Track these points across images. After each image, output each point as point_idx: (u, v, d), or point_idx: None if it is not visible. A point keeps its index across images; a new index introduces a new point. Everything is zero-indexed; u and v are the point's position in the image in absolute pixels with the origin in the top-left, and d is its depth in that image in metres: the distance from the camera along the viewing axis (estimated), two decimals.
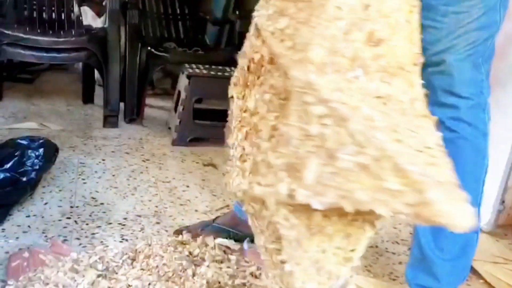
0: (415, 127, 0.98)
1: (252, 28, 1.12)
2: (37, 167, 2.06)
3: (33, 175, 2.04)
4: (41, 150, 2.11)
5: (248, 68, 1.12)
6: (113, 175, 2.48)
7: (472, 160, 1.41)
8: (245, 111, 1.12)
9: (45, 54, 2.99)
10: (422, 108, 1.03)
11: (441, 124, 1.40)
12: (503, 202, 2.30)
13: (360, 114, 0.92)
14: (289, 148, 0.96)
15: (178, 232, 1.91)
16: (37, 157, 2.06)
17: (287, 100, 0.99)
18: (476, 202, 1.47)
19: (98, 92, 3.63)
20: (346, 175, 0.89)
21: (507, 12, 1.38)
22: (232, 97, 1.17)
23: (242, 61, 1.15)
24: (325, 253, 1.04)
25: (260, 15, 1.11)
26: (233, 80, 1.17)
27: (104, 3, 3.52)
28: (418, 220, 0.86)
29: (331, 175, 0.90)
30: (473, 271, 1.95)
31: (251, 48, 1.11)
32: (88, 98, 3.71)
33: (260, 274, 1.70)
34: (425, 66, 1.40)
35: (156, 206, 2.20)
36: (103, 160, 2.66)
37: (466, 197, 0.88)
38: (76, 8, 3.45)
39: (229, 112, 1.18)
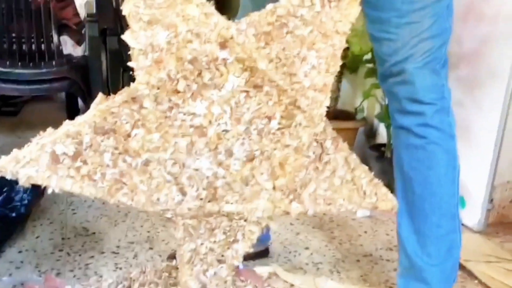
0: None
1: None
2: (26, 201, 2.06)
3: (22, 210, 2.04)
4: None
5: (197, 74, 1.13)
6: (103, 203, 2.47)
7: (445, 163, 1.44)
8: None
9: (27, 87, 2.99)
10: None
11: (409, 132, 1.43)
12: (491, 201, 2.32)
13: None
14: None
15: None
16: (25, 191, 2.06)
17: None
18: (454, 202, 1.49)
19: None
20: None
21: (453, 17, 1.42)
22: None
23: None
24: None
25: None
26: None
27: (83, 31, 3.51)
28: None
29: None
30: (467, 272, 1.97)
31: None
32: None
33: None
34: (386, 78, 1.44)
35: (148, 232, 2.20)
36: None
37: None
38: (55, 38, 3.44)
39: None
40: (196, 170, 1.10)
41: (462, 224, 2.33)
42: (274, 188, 1.14)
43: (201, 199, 1.13)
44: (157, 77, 1.05)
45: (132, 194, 1.09)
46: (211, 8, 1.05)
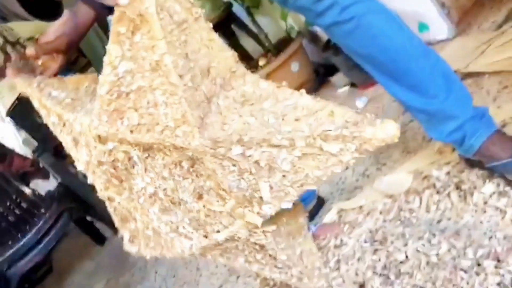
0: (290, 100, 1.15)
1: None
2: None
3: None
4: None
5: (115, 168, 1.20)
6: (174, 276, 2.52)
7: (383, 21, 1.45)
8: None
9: (40, 247, 3.03)
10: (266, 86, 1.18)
11: (337, 26, 1.45)
12: (443, 4, 2.34)
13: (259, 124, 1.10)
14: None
15: None
16: None
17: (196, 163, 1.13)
18: (417, 41, 1.50)
19: (101, 225, 3.66)
20: (296, 170, 1.09)
21: None
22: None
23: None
24: None
25: None
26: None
27: (41, 165, 3.55)
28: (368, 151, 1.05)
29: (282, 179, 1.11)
30: (473, 75, 2.00)
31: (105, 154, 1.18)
32: (100, 239, 3.75)
33: (341, 240, 1.75)
34: (283, 4, 1.47)
35: (225, 266, 2.22)
36: (156, 272, 2.70)
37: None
38: (27, 190, 3.47)
39: None
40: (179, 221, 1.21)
41: (439, 41, 2.38)
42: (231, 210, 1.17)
43: (205, 236, 1.22)
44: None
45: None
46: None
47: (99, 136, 1.12)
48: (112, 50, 1.07)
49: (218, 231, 1.21)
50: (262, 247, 1.26)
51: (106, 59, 1.08)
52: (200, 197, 1.17)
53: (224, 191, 1.13)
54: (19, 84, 1.26)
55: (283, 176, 1.10)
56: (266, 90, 1.16)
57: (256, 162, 1.08)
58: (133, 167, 1.16)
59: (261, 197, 1.13)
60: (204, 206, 1.18)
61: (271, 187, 1.12)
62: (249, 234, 1.21)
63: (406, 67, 1.49)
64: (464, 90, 1.55)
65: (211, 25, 1.18)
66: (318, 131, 1.04)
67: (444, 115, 1.52)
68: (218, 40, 1.18)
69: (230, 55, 1.20)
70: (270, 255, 1.29)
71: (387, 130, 1.01)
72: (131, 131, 1.10)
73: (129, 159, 1.15)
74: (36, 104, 1.27)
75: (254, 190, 1.13)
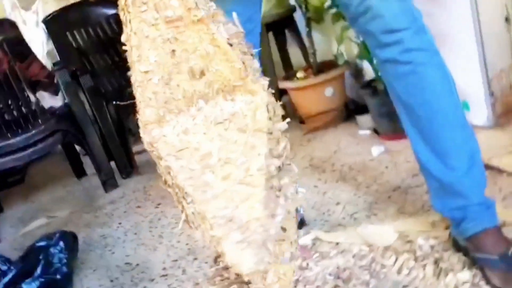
0: (248, 148, 1.15)
1: None
2: (65, 260, 2.10)
3: (65, 269, 2.08)
4: (61, 243, 2.15)
5: None
6: (135, 233, 2.52)
7: (438, 78, 1.45)
8: None
9: (23, 153, 3.01)
10: (262, 118, 1.15)
11: (394, 62, 1.45)
12: (492, 94, 2.34)
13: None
14: None
15: (216, 259, 1.96)
16: (60, 251, 2.11)
17: None
18: (460, 112, 1.50)
19: (86, 161, 3.67)
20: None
21: None
22: None
23: None
24: None
25: None
26: None
27: (55, 81, 3.54)
28: None
29: None
30: (494, 169, 2.00)
31: None
32: (79, 172, 3.76)
33: (307, 264, 1.74)
34: (355, 19, 1.45)
35: (187, 244, 2.24)
36: (120, 223, 2.70)
37: None
38: (32, 98, 3.47)
39: None
40: None
41: (474, 126, 2.37)
42: None
43: None
44: None
45: None
46: None
47: None
48: None
49: None
50: None
51: None
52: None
53: None
54: None
55: None
56: (245, 123, 1.15)
57: None
58: None
59: None
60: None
61: None
62: None
63: (440, 131, 1.48)
64: (483, 175, 1.55)
65: (218, 31, 1.16)
66: None
67: (454, 190, 1.52)
68: (225, 49, 1.16)
69: (238, 67, 1.16)
70: None
71: None
72: None
73: None
74: None
75: None
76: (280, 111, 1.21)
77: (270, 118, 1.16)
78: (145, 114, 1.15)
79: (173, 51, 1.14)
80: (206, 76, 1.15)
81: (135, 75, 1.15)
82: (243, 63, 1.15)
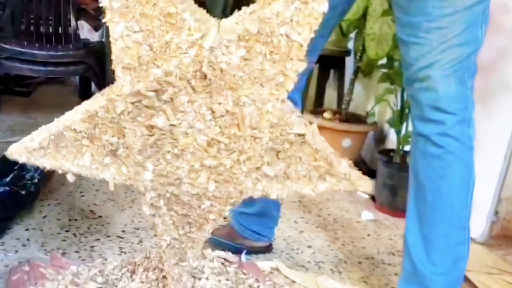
0: None
1: None
2: (36, 180, 2.08)
3: (32, 188, 2.06)
4: None
5: None
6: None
7: (461, 174, 1.43)
8: None
9: (42, 68, 3.01)
10: None
11: (427, 140, 1.43)
12: (496, 213, 2.33)
13: None
14: None
15: None
16: (36, 170, 2.08)
17: None
18: (466, 215, 1.49)
19: None
20: None
21: (488, 27, 1.41)
22: None
23: None
24: None
25: None
26: None
27: (101, 17, 3.54)
28: None
29: None
30: (468, 282, 1.98)
31: None
32: None
33: (258, 286, 1.72)
34: (411, 82, 1.44)
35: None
36: None
37: None
38: (73, 22, 3.47)
39: None
40: None
41: None
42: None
43: None
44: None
45: None
46: None
47: None
48: None
49: None
50: None
51: None
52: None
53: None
54: None
55: None
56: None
57: None
58: None
59: None
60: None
61: None
62: None
63: (439, 223, 1.47)
64: (459, 284, 1.53)
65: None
66: None
67: (425, 284, 1.50)
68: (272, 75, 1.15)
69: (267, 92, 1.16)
70: None
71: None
72: None
73: None
74: None
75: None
76: None
77: None
78: None
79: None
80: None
81: None
82: None
